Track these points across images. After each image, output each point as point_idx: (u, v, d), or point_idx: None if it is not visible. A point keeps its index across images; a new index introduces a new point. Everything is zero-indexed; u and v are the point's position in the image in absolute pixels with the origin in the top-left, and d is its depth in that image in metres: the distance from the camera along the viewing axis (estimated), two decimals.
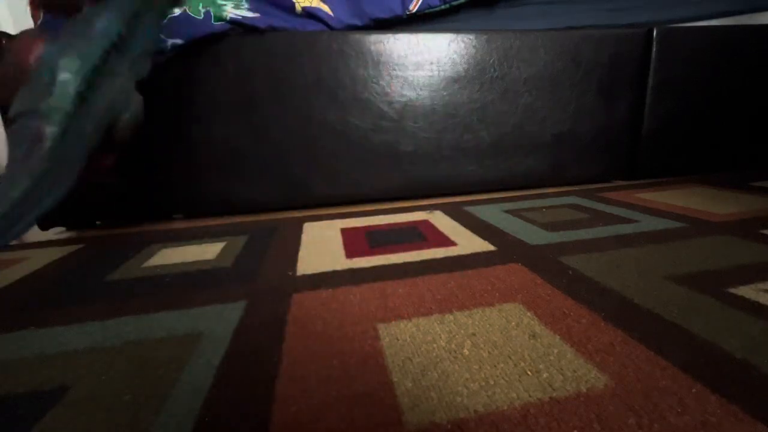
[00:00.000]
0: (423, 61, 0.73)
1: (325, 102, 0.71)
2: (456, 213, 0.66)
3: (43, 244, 0.64)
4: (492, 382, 0.23)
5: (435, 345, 0.27)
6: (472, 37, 0.74)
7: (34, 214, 0.35)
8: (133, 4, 0.38)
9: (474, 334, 0.28)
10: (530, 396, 0.22)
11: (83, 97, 0.35)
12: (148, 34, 0.40)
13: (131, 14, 0.37)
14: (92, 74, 0.35)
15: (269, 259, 0.48)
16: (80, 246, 0.60)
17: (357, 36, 0.70)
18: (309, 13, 0.69)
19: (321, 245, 0.52)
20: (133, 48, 0.38)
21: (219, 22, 0.63)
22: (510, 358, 0.26)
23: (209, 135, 0.69)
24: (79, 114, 0.35)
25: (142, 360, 0.28)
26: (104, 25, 0.36)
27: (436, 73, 0.74)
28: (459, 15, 0.78)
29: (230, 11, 0.63)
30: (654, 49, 0.80)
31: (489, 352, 0.26)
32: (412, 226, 0.59)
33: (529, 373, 0.24)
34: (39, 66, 0.34)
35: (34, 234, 0.74)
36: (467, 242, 0.49)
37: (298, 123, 0.71)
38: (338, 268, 0.43)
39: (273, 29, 0.68)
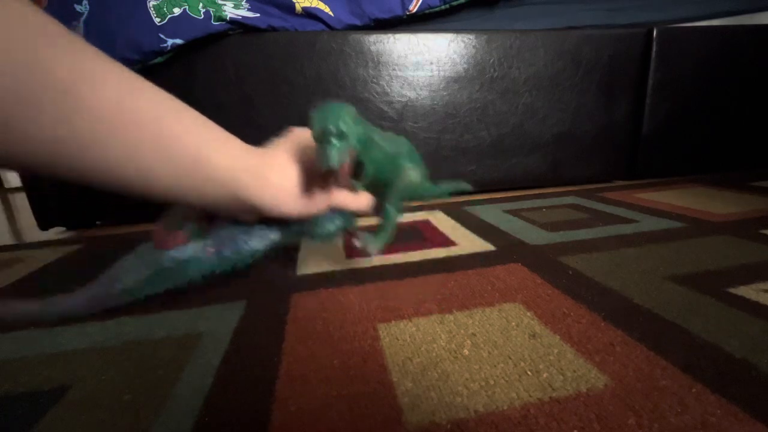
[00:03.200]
0: (423, 61, 0.73)
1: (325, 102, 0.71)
2: (456, 213, 0.66)
3: (43, 244, 0.64)
4: (492, 382, 0.23)
5: (435, 345, 0.27)
6: (472, 37, 0.74)
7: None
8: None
9: (474, 334, 0.28)
10: (530, 396, 0.22)
11: None
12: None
13: None
14: None
15: (269, 259, 0.47)
16: (80, 246, 0.60)
17: (357, 36, 0.70)
18: (309, 13, 0.69)
19: (321, 245, 0.52)
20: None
21: (219, 22, 0.63)
22: (510, 358, 0.26)
23: None
24: None
25: (142, 360, 0.28)
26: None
27: (436, 73, 0.74)
28: (459, 15, 0.78)
29: (230, 11, 0.63)
30: (654, 49, 0.80)
31: (489, 352, 0.26)
32: (412, 226, 0.59)
33: (529, 373, 0.24)
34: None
35: (34, 234, 0.74)
36: (467, 242, 0.49)
37: (298, 123, 0.71)
38: (338, 268, 0.43)
39: (273, 29, 0.68)
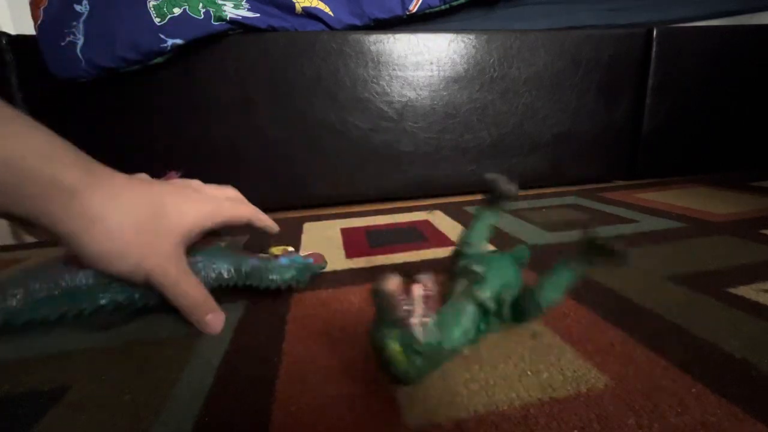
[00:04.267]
0: (423, 61, 0.73)
1: (325, 102, 0.71)
2: (456, 213, 0.66)
3: (43, 244, 0.64)
4: (492, 382, 0.23)
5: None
6: (472, 37, 0.74)
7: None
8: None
9: None
10: (530, 396, 0.22)
11: None
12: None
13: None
14: None
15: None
16: None
17: (357, 36, 0.70)
18: (309, 13, 0.69)
19: (321, 245, 0.52)
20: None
21: (219, 22, 0.63)
22: (510, 358, 0.26)
23: (209, 135, 0.69)
24: None
25: (142, 360, 0.28)
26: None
27: (436, 73, 0.74)
28: (459, 15, 0.78)
29: (230, 11, 0.63)
30: (654, 49, 0.80)
31: (489, 352, 0.26)
32: (412, 226, 0.59)
33: (529, 373, 0.24)
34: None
35: None
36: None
37: (298, 123, 0.71)
38: (338, 268, 0.43)
39: (273, 29, 0.68)
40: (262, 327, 0.31)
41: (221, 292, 0.38)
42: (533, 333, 0.28)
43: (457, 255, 0.29)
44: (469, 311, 0.24)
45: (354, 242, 0.53)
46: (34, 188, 0.22)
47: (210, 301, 0.31)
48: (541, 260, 0.42)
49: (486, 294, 0.25)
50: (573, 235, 0.50)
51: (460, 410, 0.21)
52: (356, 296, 0.36)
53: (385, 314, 0.19)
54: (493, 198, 0.29)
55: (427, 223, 0.60)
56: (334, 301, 0.35)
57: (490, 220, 0.30)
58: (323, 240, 0.54)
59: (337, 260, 0.46)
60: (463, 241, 0.29)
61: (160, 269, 0.28)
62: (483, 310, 0.25)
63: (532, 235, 0.51)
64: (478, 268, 0.26)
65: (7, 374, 0.27)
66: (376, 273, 0.41)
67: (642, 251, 0.43)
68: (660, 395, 0.21)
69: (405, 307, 0.19)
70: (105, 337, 0.32)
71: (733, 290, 0.33)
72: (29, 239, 0.71)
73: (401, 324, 0.19)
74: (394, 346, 0.19)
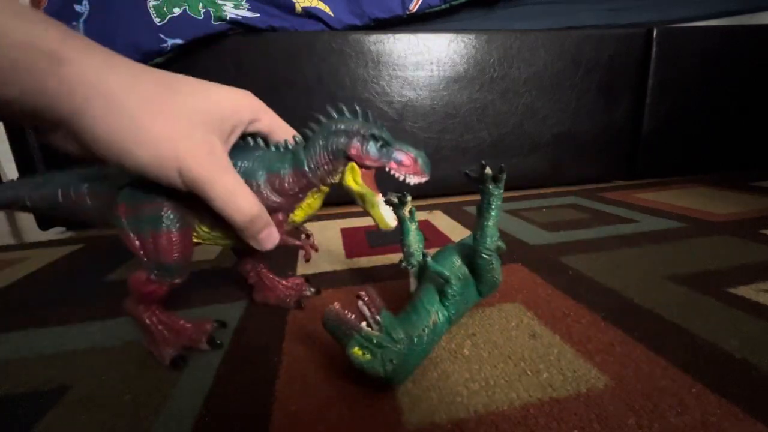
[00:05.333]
0: (423, 61, 0.73)
1: (325, 102, 0.71)
2: (456, 213, 0.66)
3: (43, 244, 0.64)
4: (492, 382, 0.23)
5: (435, 345, 0.27)
6: (472, 37, 0.74)
7: None
8: None
9: (474, 334, 0.28)
10: (530, 396, 0.22)
11: None
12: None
13: None
14: None
15: (269, 259, 0.47)
16: (80, 246, 0.60)
17: (357, 36, 0.70)
18: (309, 13, 0.69)
19: (321, 245, 0.52)
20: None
21: (219, 22, 0.63)
22: (510, 358, 0.26)
23: None
24: None
25: (142, 360, 0.28)
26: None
27: (436, 73, 0.74)
28: (459, 15, 0.78)
29: (230, 11, 0.63)
30: (654, 49, 0.80)
31: (489, 352, 0.26)
32: None
33: (529, 373, 0.24)
34: None
35: (34, 234, 0.74)
36: None
37: (298, 123, 0.71)
38: (338, 268, 0.43)
39: (273, 29, 0.68)
40: (262, 327, 0.31)
41: (221, 292, 0.38)
42: (533, 333, 0.28)
43: (419, 268, 0.30)
44: (427, 294, 0.26)
45: (354, 242, 0.53)
46: (12, 52, 0.18)
47: (264, 214, 0.26)
48: (542, 260, 0.42)
49: (431, 270, 0.26)
50: (573, 235, 0.50)
51: (460, 410, 0.21)
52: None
53: (339, 332, 0.22)
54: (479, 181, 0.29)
55: (427, 223, 0.60)
56: (334, 300, 0.35)
57: (412, 226, 0.31)
58: (323, 240, 0.54)
59: (337, 260, 0.46)
60: (408, 254, 0.30)
61: (193, 160, 0.22)
62: (441, 292, 0.26)
63: (533, 235, 0.51)
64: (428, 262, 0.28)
65: (7, 374, 0.27)
66: (376, 273, 0.41)
67: (642, 251, 0.43)
68: (660, 395, 0.21)
69: (352, 317, 0.22)
70: (105, 337, 0.32)
71: (733, 290, 0.33)
72: (29, 239, 0.71)
73: (354, 331, 0.22)
74: (356, 351, 0.21)
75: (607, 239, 0.48)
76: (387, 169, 0.29)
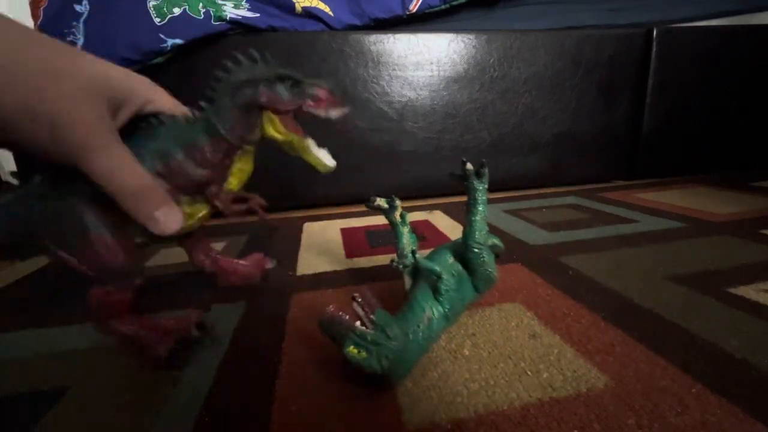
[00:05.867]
0: (423, 61, 0.73)
1: None
2: (456, 213, 0.66)
3: None
4: (492, 382, 0.23)
5: (435, 345, 0.27)
6: (472, 37, 0.74)
7: None
8: None
9: (474, 334, 0.28)
10: (530, 396, 0.22)
11: None
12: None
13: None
14: None
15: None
16: None
17: (357, 36, 0.70)
18: (309, 13, 0.69)
19: (321, 245, 0.52)
20: None
21: (219, 22, 0.63)
22: (510, 358, 0.26)
23: None
24: None
25: (142, 360, 0.28)
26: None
27: (436, 73, 0.74)
28: (459, 15, 0.78)
29: (230, 11, 0.63)
30: (654, 49, 0.80)
31: (489, 352, 0.26)
32: (413, 226, 0.58)
33: (529, 373, 0.24)
34: None
35: None
36: None
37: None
38: (338, 268, 0.43)
39: (273, 29, 0.68)
40: (262, 327, 0.31)
41: (219, 294, 0.38)
42: (533, 333, 0.28)
43: (413, 269, 0.30)
44: (421, 292, 0.26)
45: (354, 242, 0.53)
46: None
47: (158, 191, 0.23)
48: (542, 260, 0.42)
49: (423, 267, 0.26)
50: (573, 235, 0.50)
51: (460, 410, 0.21)
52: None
53: (335, 333, 0.22)
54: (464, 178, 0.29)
55: (427, 223, 0.60)
56: (334, 301, 0.35)
57: (405, 229, 0.32)
58: (323, 240, 0.54)
59: (337, 260, 0.46)
60: (401, 255, 0.30)
61: (76, 124, 0.19)
62: (434, 288, 0.26)
63: (533, 235, 0.51)
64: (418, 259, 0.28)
65: (7, 374, 0.27)
66: (375, 273, 0.41)
67: (642, 251, 0.43)
68: (660, 395, 0.21)
69: (347, 318, 0.22)
70: (105, 337, 0.31)
71: (733, 290, 0.33)
72: None
73: (349, 331, 0.22)
74: (352, 350, 0.22)
75: (607, 239, 0.48)
76: (305, 110, 0.27)
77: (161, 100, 0.26)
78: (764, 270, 0.37)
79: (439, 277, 0.26)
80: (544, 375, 0.24)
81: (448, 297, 0.26)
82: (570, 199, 0.71)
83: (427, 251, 0.31)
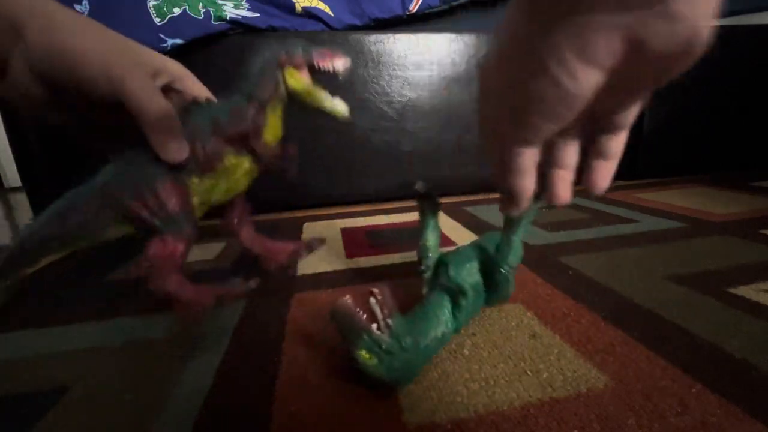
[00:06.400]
0: (423, 61, 0.73)
1: None
2: (456, 213, 0.66)
3: None
4: (492, 382, 0.23)
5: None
6: (472, 37, 0.74)
7: None
8: None
9: (474, 334, 0.28)
10: (530, 396, 0.22)
11: None
12: None
13: None
14: None
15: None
16: None
17: (357, 36, 0.70)
18: (309, 13, 0.69)
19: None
20: None
21: (219, 22, 0.63)
22: (510, 358, 0.26)
23: None
24: None
25: (142, 360, 0.28)
26: None
27: (436, 73, 0.74)
28: (459, 15, 0.78)
29: (230, 11, 0.63)
30: None
31: (489, 352, 0.26)
32: (412, 226, 0.58)
33: (529, 373, 0.24)
34: None
35: None
36: (467, 242, 0.49)
37: (298, 123, 0.71)
38: (338, 268, 0.43)
39: (273, 29, 0.68)
40: (262, 327, 0.31)
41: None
42: (533, 333, 0.28)
43: (435, 266, 0.30)
44: (440, 302, 0.26)
45: (354, 242, 0.53)
46: None
47: (177, 126, 0.28)
48: (542, 260, 0.42)
49: (449, 279, 0.26)
50: (573, 235, 0.50)
51: (460, 410, 0.21)
52: (356, 296, 0.36)
53: (348, 330, 0.21)
54: (429, 206, 0.30)
55: None
56: (334, 301, 0.35)
57: (435, 224, 0.31)
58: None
59: (337, 260, 0.46)
60: (425, 252, 0.30)
61: (129, 76, 0.26)
62: (452, 295, 0.26)
63: (532, 235, 0.51)
64: (444, 262, 0.28)
65: (7, 374, 0.27)
66: (376, 273, 0.41)
67: (642, 251, 0.43)
68: (660, 395, 0.21)
69: (363, 317, 0.21)
70: (105, 337, 0.32)
71: (733, 290, 0.33)
72: None
73: (364, 333, 0.21)
74: (364, 354, 0.21)
75: (607, 239, 0.48)
76: (317, 66, 0.33)
77: (189, 79, 0.33)
78: (764, 270, 0.37)
79: (465, 294, 0.25)
80: (544, 375, 0.24)
81: (465, 313, 0.26)
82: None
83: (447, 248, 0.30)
